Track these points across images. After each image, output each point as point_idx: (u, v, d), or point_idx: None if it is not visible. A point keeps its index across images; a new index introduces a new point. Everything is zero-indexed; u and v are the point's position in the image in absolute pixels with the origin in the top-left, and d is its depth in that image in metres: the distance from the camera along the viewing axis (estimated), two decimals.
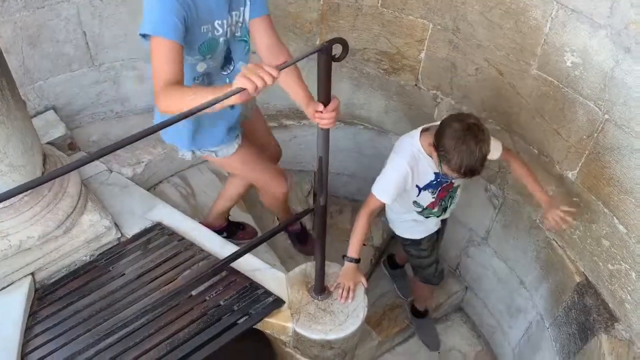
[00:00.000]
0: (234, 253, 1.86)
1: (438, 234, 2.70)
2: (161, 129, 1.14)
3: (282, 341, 2.30)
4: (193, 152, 2.18)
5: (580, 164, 2.29)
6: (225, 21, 1.82)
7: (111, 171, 2.66)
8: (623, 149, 2.06)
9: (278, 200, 2.58)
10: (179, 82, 1.61)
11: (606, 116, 2.09)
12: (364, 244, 3.27)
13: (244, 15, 1.89)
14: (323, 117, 1.60)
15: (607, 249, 2.27)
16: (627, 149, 2.05)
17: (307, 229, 3.16)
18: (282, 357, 2.45)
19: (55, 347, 2.00)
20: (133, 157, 2.77)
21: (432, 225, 2.57)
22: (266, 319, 2.18)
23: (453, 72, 2.69)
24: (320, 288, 2.26)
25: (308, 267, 2.36)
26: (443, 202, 2.43)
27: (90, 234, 2.25)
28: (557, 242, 2.56)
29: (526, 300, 2.87)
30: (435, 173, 2.23)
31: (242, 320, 2.13)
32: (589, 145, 2.21)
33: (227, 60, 1.96)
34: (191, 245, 2.39)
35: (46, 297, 2.18)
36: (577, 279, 2.44)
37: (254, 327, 2.17)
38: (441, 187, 2.33)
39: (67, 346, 2.00)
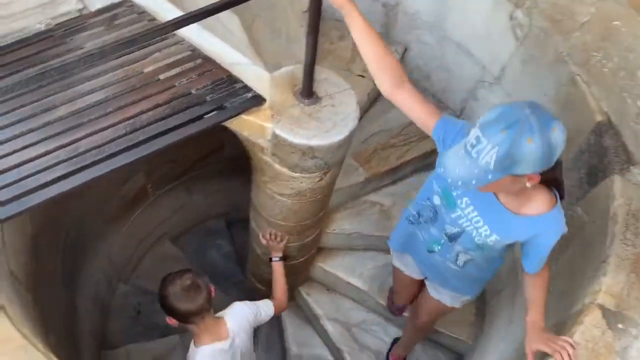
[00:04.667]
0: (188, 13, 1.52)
1: None
2: None
3: (260, 147, 2.05)
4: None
5: None
6: None
7: None
8: None
9: None
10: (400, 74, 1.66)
11: None
12: None
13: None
14: None
15: None
16: None
17: None
18: (260, 169, 2.22)
19: None
20: None
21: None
22: (243, 116, 1.92)
23: None
24: (308, 91, 1.98)
25: (296, 68, 2.05)
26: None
27: None
28: (581, 78, 2.24)
29: None
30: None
31: (214, 112, 1.87)
32: None
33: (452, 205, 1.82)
34: None
35: None
36: (598, 117, 2.16)
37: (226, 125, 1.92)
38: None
39: (11, 113, 1.74)
